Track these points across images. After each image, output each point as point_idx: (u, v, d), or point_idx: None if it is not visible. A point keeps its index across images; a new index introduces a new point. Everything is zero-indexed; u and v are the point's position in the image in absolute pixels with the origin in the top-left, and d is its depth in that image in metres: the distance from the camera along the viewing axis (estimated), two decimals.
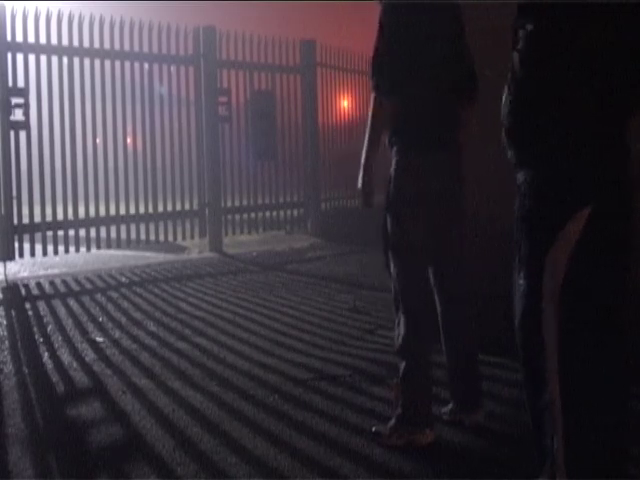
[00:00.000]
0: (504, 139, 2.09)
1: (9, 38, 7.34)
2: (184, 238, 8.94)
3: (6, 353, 4.53)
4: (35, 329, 5.12)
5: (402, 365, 2.99)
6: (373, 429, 3.08)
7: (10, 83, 7.28)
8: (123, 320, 5.35)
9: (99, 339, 4.81)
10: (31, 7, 7.52)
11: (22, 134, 7.36)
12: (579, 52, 1.90)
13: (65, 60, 7.79)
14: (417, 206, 2.97)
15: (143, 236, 8.50)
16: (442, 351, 3.23)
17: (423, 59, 2.94)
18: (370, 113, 2.98)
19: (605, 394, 1.94)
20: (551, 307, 1.94)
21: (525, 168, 2.02)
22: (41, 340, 4.81)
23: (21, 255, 7.43)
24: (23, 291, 6.50)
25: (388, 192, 3.01)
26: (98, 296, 6.24)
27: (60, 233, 7.76)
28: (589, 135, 1.93)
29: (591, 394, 1.94)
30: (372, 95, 2.97)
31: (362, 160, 3.02)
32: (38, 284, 6.79)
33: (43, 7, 7.65)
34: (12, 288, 6.61)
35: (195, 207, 9.11)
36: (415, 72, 2.92)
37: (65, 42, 7.79)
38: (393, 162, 3.01)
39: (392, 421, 3.00)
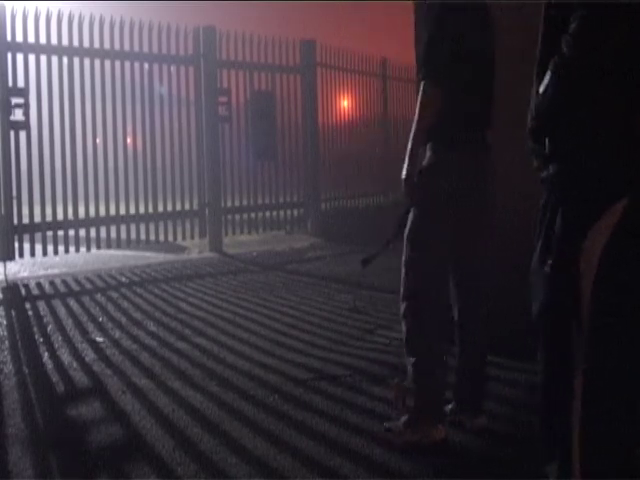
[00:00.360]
0: (533, 128, 2.04)
1: (9, 38, 7.34)
2: (184, 238, 8.94)
3: (6, 353, 4.53)
4: (35, 329, 5.12)
5: (412, 360, 2.97)
6: (385, 425, 3.06)
7: (10, 83, 7.28)
8: (123, 320, 5.35)
9: (99, 339, 4.81)
10: (31, 7, 7.52)
11: (22, 134, 7.36)
12: (625, 45, 1.88)
13: (65, 60, 7.79)
14: (444, 204, 2.95)
15: (143, 236, 8.50)
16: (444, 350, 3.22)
17: (460, 58, 2.92)
18: (418, 105, 2.93)
19: (629, 390, 1.93)
20: (583, 301, 1.92)
21: (557, 161, 1.99)
22: (41, 340, 4.81)
23: (21, 255, 7.42)
24: (23, 291, 6.50)
25: (417, 186, 2.99)
26: (98, 296, 6.23)
27: (60, 233, 7.76)
28: (625, 130, 1.91)
29: (616, 390, 1.92)
30: (421, 87, 2.94)
31: (407, 151, 2.96)
32: (38, 284, 6.79)
33: (43, 7, 7.65)
34: (12, 288, 6.61)
35: (195, 207, 9.11)
36: (453, 70, 2.90)
37: (65, 42, 7.79)
38: (426, 157, 3.00)
39: (404, 417, 2.98)
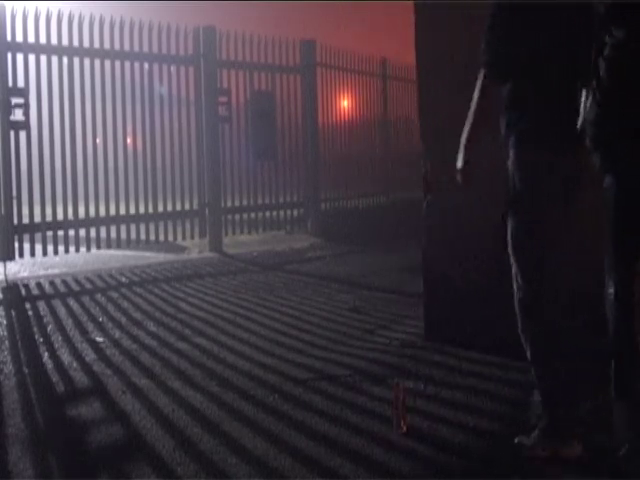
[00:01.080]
0: (589, 144, 2.06)
1: (9, 38, 7.33)
2: (184, 238, 8.94)
3: (6, 353, 4.53)
4: (35, 329, 5.12)
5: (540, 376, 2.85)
6: (516, 440, 2.89)
7: (10, 83, 7.28)
8: (123, 320, 5.35)
9: (99, 339, 4.81)
10: (31, 7, 7.51)
11: (22, 134, 7.36)
12: None
13: (65, 60, 7.79)
14: (544, 204, 2.77)
15: (143, 236, 8.49)
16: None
17: (526, 57, 2.78)
18: (476, 93, 2.85)
19: None
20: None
21: (610, 174, 2.01)
22: (41, 340, 4.81)
23: (21, 255, 7.42)
24: (23, 291, 6.50)
25: (509, 192, 2.84)
26: (98, 296, 6.23)
27: (60, 233, 7.76)
28: None
29: None
30: (480, 74, 2.84)
31: (463, 139, 2.88)
32: (38, 284, 6.79)
33: (43, 7, 7.65)
34: (12, 288, 6.61)
35: (195, 207, 9.11)
36: (518, 69, 2.80)
37: (65, 42, 7.78)
38: (512, 157, 2.82)
39: (536, 432, 2.82)
